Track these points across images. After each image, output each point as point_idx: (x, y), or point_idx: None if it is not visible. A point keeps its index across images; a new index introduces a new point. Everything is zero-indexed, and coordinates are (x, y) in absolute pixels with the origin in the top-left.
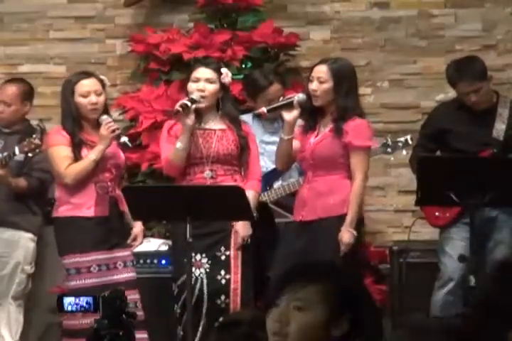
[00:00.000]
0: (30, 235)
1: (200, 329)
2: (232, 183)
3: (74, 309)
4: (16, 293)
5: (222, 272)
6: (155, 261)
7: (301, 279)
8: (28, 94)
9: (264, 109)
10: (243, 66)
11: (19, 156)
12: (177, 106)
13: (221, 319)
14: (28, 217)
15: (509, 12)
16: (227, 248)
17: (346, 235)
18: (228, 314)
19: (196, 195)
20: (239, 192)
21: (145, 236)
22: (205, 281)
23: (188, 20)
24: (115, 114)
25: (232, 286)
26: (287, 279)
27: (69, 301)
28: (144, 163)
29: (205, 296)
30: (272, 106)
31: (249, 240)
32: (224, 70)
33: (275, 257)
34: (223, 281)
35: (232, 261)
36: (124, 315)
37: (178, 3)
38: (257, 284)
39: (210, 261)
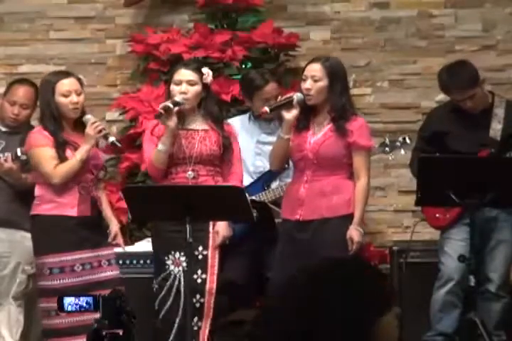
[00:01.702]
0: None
1: (176, 326)
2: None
3: (74, 309)
4: (16, 293)
5: (199, 271)
6: None
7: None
8: (37, 96)
9: (266, 108)
10: (243, 66)
11: (22, 156)
12: (159, 109)
13: (195, 318)
14: (29, 217)
15: (509, 12)
16: (205, 247)
17: (355, 233)
18: (205, 313)
19: (196, 195)
20: (239, 192)
21: (145, 236)
22: (182, 280)
23: (188, 20)
24: (115, 114)
25: (207, 286)
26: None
27: (69, 301)
28: (143, 163)
29: (182, 295)
30: (274, 106)
31: (227, 241)
32: (205, 70)
33: (275, 257)
34: (199, 280)
35: (209, 261)
36: (124, 315)
37: (178, 3)
38: (257, 284)
39: (187, 260)
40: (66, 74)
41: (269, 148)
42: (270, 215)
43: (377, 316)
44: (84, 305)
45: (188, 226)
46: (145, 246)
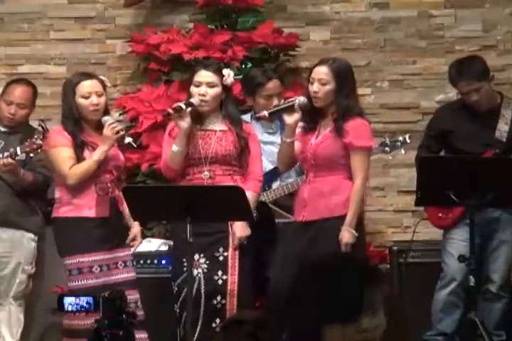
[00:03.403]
0: (31, 235)
1: (198, 329)
2: (231, 184)
3: (74, 309)
4: (16, 293)
5: (220, 273)
6: (155, 261)
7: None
8: (36, 96)
9: (265, 113)
10: (243, 66)
11: (20, 156)
12: (169, 109)
13: (217, 319)
14: (29, 217)
15: (509, 12)
16: (226, 249)
17: (346, 235)
18: (228, 314)
19: (196, 195)
20: (239, 192)
21: (145, 236)
22: (202, 281)
23: (188, 20)
24: (115, 114)
25: (229, 287)
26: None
27: (69, 301)
28: (144, 163)
29: (202, 296)
30: (273, 110)
31: (245, 241)
32: (225, 71)
33: (275, 257)
34: (220, 282)
35: (229, 262)
36: (124, 315)
37: (178, 3)
38: (256, 285)
39: (207, 262)
40: (88, 75)
41: (271, 147)
42: (270, 215)
43: (323, 325)
44: (85, 305)
45: (188, 226)
46: (145, 246)
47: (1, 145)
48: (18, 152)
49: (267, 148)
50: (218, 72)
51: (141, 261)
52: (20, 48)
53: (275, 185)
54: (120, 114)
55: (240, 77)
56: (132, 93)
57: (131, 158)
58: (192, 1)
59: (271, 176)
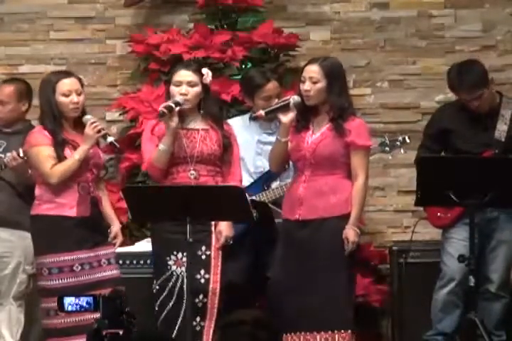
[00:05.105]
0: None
1: (177, 327)
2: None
3: (74, 309)
4: (17, 293)
5: (202, 271)
6: None
7: None
8: (24, 93)
9: (262, 112)
10: (243, 66)
11: (24, 157)
12: (162, 108)
13: (197, 318)
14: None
15: (509, 12)
16: (208, 247)
17: (351, 233)
18: (208, 313)
19: (196, 195)
20: (239, 192)
21: (145, 236)
22: (185, 280)
23: (188, 20)
24: (115, 114)
25: (211, 286)
26: None
27: (69, 301)
28: (143, 163)
29: (185, 295)
30: (269, 109)
31: (231, 241)
32: (205, 71)
33: (275, 257)
34: (202, 280)
35: (212, 261)
36: (124, 315)
37: (178, 3)
38: (257, 284)
39: (188, 260)
40: (67, 73)
41: (270, 148)
42: (270, 215)
43: None
44: (85, 305)
45: (188, 226)
46: (145, 246)
47: (3, 146)
48: (21, 153)
49: (266, 148)
50: (198, 71)
51: (141, 262)
52: (20, 48)
53: (275, 184)
54: (120, 114)
55: (240, 77)
56: (132, 93)
57: (131, 158)
58: (192, 1)
59: (270, 176)
